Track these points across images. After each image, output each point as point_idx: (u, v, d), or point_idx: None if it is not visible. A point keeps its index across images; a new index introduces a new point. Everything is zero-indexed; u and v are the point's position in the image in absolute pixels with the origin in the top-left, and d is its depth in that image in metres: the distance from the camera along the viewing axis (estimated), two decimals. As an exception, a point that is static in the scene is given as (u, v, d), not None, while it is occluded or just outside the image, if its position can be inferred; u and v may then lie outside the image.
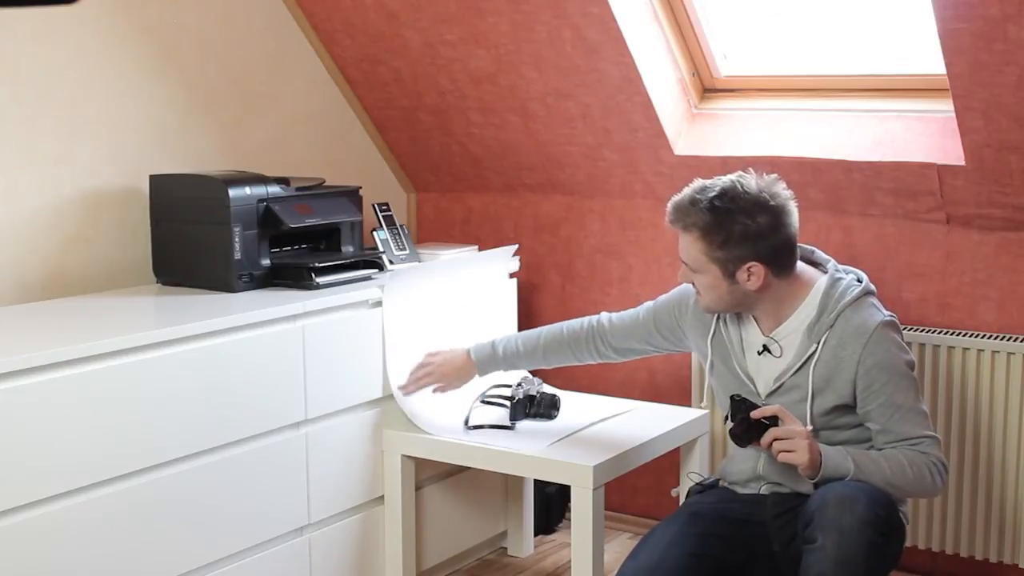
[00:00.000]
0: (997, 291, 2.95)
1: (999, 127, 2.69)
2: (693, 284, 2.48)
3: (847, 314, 2.38)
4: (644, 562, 2.34)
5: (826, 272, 2.46)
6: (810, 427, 2.38)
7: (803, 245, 2.49)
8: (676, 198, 2.43)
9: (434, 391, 2.96)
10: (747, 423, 2.32)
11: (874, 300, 2.43)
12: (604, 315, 2.81)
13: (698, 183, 2.43)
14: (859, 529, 2.16)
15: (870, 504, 2.19)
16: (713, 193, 2.38)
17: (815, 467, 2.28)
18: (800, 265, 2.46)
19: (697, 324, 2.60)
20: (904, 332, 2.93)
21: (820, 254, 2.51)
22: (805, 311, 2.42)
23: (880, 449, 2.36)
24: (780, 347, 2.44)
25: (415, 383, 2.95)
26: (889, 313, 2.42)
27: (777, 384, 2.44)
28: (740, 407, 2.34)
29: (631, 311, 2.77)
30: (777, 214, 2.38)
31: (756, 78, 3.30)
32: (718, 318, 2.54)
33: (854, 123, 3.05)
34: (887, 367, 2.35)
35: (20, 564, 2.25)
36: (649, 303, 2.75)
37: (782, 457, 2.29)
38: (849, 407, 2.39)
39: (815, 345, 2.39)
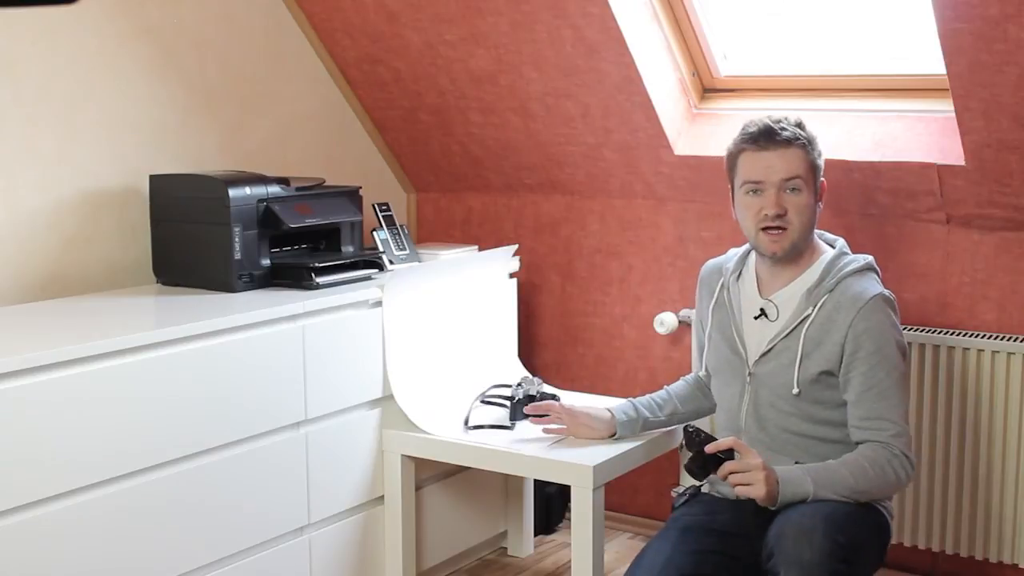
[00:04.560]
0: (997, 291, 2.95)
1: (999, 127, 2.69)
2: (783, 216, 2.45)
3: (848, 282, 2.43)
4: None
5: (835, 248, 2.54)
6: (797, 390, 2.40)
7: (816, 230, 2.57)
8: (761, 123, 2.48)
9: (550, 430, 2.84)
10: (702, 457, 2.30)
11: (876, 277, 2.48)
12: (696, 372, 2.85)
13: (753, 119, 2.51)
14: (820, 563, 2.14)
15: (828, 532, 2.17)
16: (778, 117, 2.48)
17: (773, 499, 2.28)
18: (816, 236, 2.54)
19: (706, 295, 2.68)
20: (904, 332, 2.94)
21: (831, 236, 2.59)
22: (808, 276, 2.48)
23: (855, 427, 2.37)
24: (777, 310, 2.48)
25: (544, 414, 2.83)
26: (891, 292, 2.46)
27: (769, 347, 2.47)
28: (694, 439, 2.32)
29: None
30: None
31: (756, 78, 3.29)
32: (721, 285, 2.60)
33: (854, 123, 3.05)
34: (877, 337, 2.37)
35: (20, 564, 2.25)
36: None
37: (739, 491, 2.29)
38: (834, 376, 2.41)
39: (811, 308, 2.43)
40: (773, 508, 2.29)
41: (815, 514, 2.22)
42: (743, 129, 2.51)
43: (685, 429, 2.35)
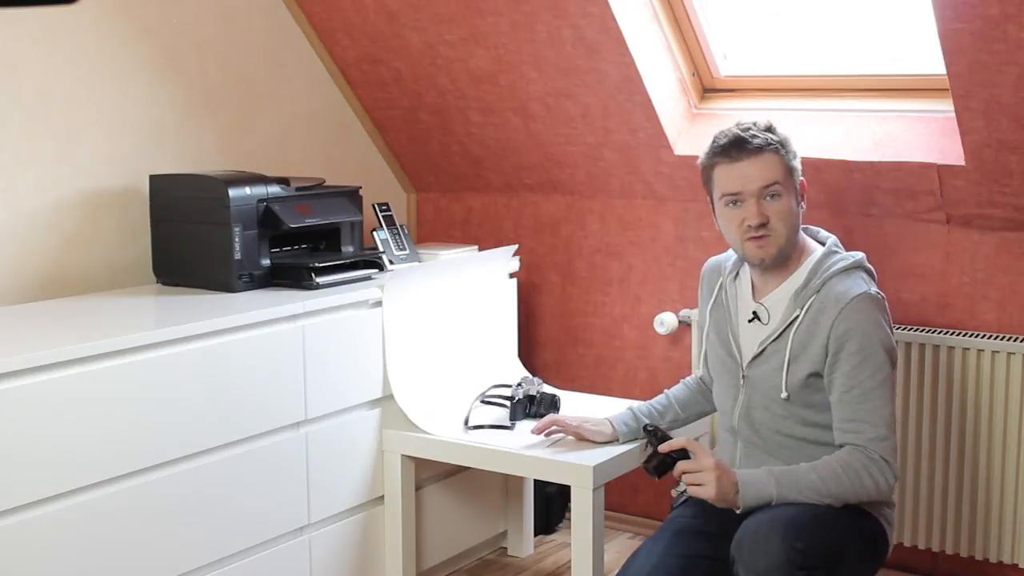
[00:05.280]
0: (997, 291, 2.95)
1: (999, 127, 2.69)
2: (765, 224, 2.41)
3: (833, 282, 2.39)
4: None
5: (824, 247, 2.49)
6: (785, 394, 2.38)
7: (809, 226, 2.54)
8: (730, 135, 2.43)
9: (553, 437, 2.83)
10: (658, 456, 2.30)
11: (865, 275, 2.43)
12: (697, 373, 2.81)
13: (718, 132, 2.46)
14: (776, 569, 2.13)
15: (786, 538, 2.14)
16: (746, 124, 2.44)
17: (728, 499, 2.26)
18: (803, 236, 2.49)
19: (706, 294, 2.65)
20: (904, 332, 2.94)
21: (824, 233, 2.54)
22: (796, 278, 2.44)
23: (837, 428, 2.34)
24: (768, 313, 2.45)
25: (546, 425, 2.80)
26: (878, 290, 2.41)
27: (760, 349, 2.44)
28: (652, 439, 2.32)
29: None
30: None
31: (756, 78, 3.29)
32: (720, 285, 2.57)
33: (854, 123, 3.05)
34: (860, 337, 2.31)
35: (20, 564, 2.25)
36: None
37: (691, 491, 2.28)
38: (822, 377, 2.38)
39: (799, 310, 2.39)
40: (737, 511, 2.27)
41: (774, 520, 2.19)
42: (713, 141, 2.46)
43: (644, 428, 2.35)
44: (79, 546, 2.35)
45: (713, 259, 2.70)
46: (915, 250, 3.04)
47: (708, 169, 2.48)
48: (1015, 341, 2.87)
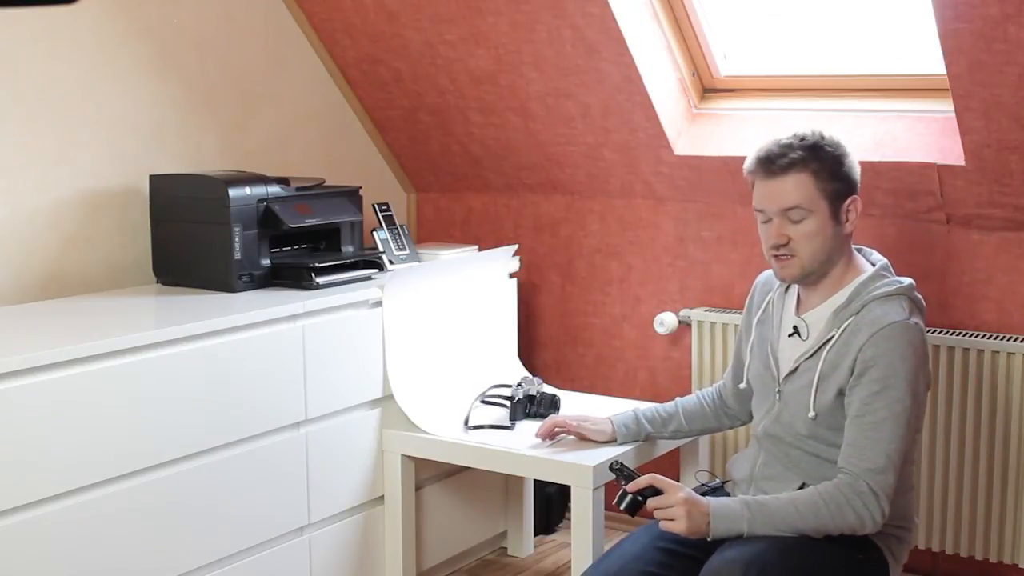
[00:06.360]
0: (997, 291, 2.95)
1: (999, 127, 2.69)
2: (785, 244, 2.35)
3: (872, 305, 2.31)
4: (603, 570, 2.31)
5: (874, 268, 2.41)
6: (813, 414, 2.33)
7: (864, 247, 2.47)
8: (765, 149, 2.35)
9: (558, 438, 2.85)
10: (630, 495, 2.29)
11: (907, 303, 2.33)
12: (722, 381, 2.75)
13: (768, 140, 2.37)
14: None
15: None
16: (799, 135, 2.35)
17: (700, 531, 2.22)
18: (855, 256, 2.42)
19: (755, 306, 2.56)
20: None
21: (876, 255, 2.46)
22: (838, 297, 2.37)
23: (842, 449, 2.28)
24: (808, 329, 2.40)
25: (549, 429, 2.82)
26: (917, 321, 2.31)
27: (795, 365, 2.39)
28: (619, 477, 2.31)
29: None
30: (848, 149, 2.38)
31: (756, 78, 3.29)
32: (770, 300, 2.50)
33: (854, 123, 3.05)
34: (884, 366, 2.25)
35: (20, 564, 2.25)
36: None
37: (663, 526, 2.25)
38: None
39: (835, 330, 2.33)
40: (709, 540, 2.24)
41: (737, 559, 2.15)
42: (754, 151, 2.39)
43: (610, 467, 2.34)
44: (79, 546, 2.35)
45: (768, 272, 2.57)
46: (915, 250, 3.04)
47: (751, 181, 2.41)
48: (1015, 341, 2.87)
